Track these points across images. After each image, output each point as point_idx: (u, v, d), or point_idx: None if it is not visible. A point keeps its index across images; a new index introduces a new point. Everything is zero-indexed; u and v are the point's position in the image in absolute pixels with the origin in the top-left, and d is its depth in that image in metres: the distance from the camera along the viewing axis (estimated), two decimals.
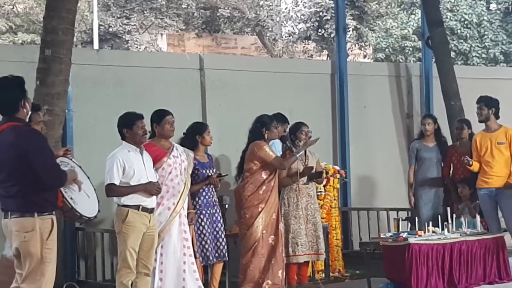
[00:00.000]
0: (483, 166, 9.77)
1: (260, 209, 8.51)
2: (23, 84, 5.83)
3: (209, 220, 8.40)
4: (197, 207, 8.36)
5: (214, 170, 8.62)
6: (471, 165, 9.69)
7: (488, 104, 9.77)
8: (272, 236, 8.57)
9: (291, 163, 8.64)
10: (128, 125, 7.34)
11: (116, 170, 7.20)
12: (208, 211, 8.42)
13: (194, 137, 8.51)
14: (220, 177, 8.54)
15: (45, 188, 5.68)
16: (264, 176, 8.57)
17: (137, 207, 7.22)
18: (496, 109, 9.80)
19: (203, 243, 8.32)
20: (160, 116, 7.90)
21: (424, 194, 10.25)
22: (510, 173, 9.70)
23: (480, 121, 9.85)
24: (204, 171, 8.43)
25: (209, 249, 8.33)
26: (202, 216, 8.35)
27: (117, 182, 7.21)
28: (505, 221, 9.96)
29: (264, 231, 8.52)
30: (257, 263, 8.50)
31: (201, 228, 8.33)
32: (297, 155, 8.59)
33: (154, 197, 7.39)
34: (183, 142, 8.48)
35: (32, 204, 5.68)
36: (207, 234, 8.34)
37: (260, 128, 8.62)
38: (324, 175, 9.62)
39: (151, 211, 7.33)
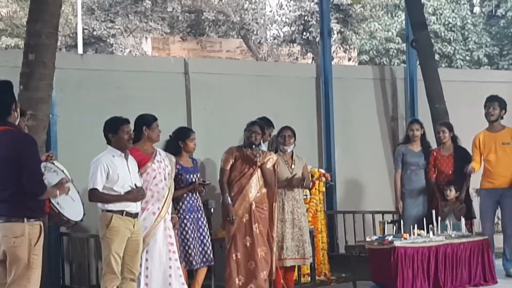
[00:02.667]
0: (486, 166, 9.87)
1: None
2: (12, 88, 5.83)
3: (192, 224, 8.38)
4: (181, 211, 8.34)
5: (198, 175, 8.60)
6: (472, 172, 9.78)
7: (501, 105, 9.91)
8: (247, 238, 8.56)
9: (221, 185, 8.66)
10: (113, 129, 7.33)
11: (100, 175, 7.18)
12: (192, 216, 8.40)
13: (177, 142, 8.50)
14: (204, 185, 8.51)
15: (29, 194, 5.65)
16: (232, 178, 8.63)
17: (121, 212, 7.21)
18: (505, 110, 9.96)
19: (187, 247, 8.30)
20: (151, 119, 7.88)
21: (411, 199, 10.24)
22: None
23: (491, 121, 9.92)
24: (187, 176, 8.41)
25: (192, 254, 8.31)
26: (185, 221, 8.34)
27: (100, 187, 7.18)
28: (502, 219, 10.03)
29: (235, 233, 8.53)
30: (233, 266, 8.53)
31: (184, 232, 8.32)
32: (225, 199, 8.55)
33: (139, 202, 7.37)
34: (167, 146, 8.48)
35: (23, 210, 5.67)
36: (190, 239, 8.32)
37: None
38: (310, 178, 9.62)
39: (135, 216, 7.32)
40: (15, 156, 5.60)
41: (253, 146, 8.61)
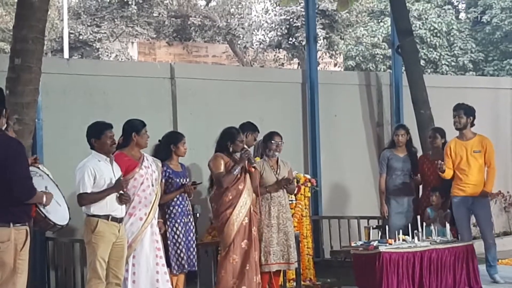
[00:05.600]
0: (457, 174, 9.82)
1: (228, 215, 8.53)
2: (3, 95, 5.83)
3: (183, 229, 8.39)
4: (172, 216, 8.35)
5: (187, 180, 8.60)
6: (443, 171, 9.71)
7: (467, 113, 9.87)
8: (246, 241, 8.57)
9: (228, 181, 8.51)
10: (96, 135, 7.33)
11: (87, 179, 7.18)
12: (183, 220, 8.41)
13: (168, 146, 8.50)
14: (195, 185, 8.53)
15: (14, 199, 5.64)
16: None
17: (106, 217, 7.22)
18: (473, 117, 9.91)
19: (178, 251, 8.31)
20: (140, 125, 7.87)
21: (395, 203, 10.28)
22: (484, 180, 9.80)
23: (457, 129, 9.91)
24: (177, 180, 8.43)
25: (184, 257, 8.33)
26: (177, 225, 8.35)
27: (89, 191, 7.19)
28: (480, 229, 10.06)
29: (235, 236, 8.54)
30: (230, 269, 8.51)
31: (176, 237, 8.33)
32: (234, 172, 8.50)
33: (124, 206, 7.39)
34: (157, 150, 8.48)
35: (9, 214, 5.64)
36: (182, 243, 8.34)
37: (226, 141, 8.63)
38: (295, 183, 9.62)
39: (120, 220, 7.33)
40: (1, 160, 5.58)
41: (244, 149, 8.62)
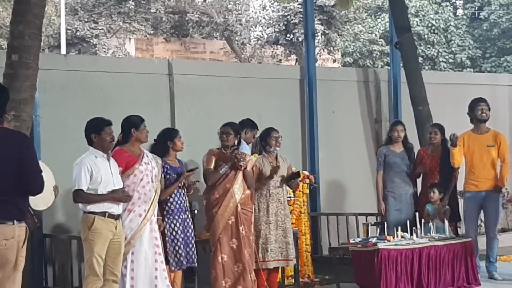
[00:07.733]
0: (470, 168, 9.87)
1: (214, 213, 8.55)
2: (8, 94, 5.87)
3: (181, 225, 8.37)
4: (170, 212, 8.33)
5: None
6: (456, 144, 9.65)
7: (488, 106, 9.97)
8: (234, 240, 8.55)
9: (213, 179, 8.54)
10: (96, 130, 7.32)
11: (84, 176, 7.16)
12: (181, 217, 8.39)
13: (165, 143, 8.49)
14: (191, 171, 8.50)
15: (28, 193, 5.64)
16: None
17: (103, 213, 7.19)
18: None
19: (176, 248, 8.29)
20: (138, 121, 7.86)
21: (393, 200, 10.25)
22: (496, 175, 9.81)
23: (483, 121, 9.93)
24: (175, 175, 8.41)
25: (183, 254, 8.31)
26: (175, 221, 8.32)
27: (85, 188, 7.17)
28: (485, 222, 10.06)
29: (220, 235, 8.52)
30: (219, 268, 8.50)
31: (173, 233, 8.31)
32: (220, 172, 8.51)
33: (121, 203, 7.36)
34: (154, 148, 8.46)
35: (13, 211, 5.60)
36: (180, 239, 8.32)
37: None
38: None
39: (117, 217, 7.31)
40: (14, 155, 5.55)
41: (233, 147, 8.59)
